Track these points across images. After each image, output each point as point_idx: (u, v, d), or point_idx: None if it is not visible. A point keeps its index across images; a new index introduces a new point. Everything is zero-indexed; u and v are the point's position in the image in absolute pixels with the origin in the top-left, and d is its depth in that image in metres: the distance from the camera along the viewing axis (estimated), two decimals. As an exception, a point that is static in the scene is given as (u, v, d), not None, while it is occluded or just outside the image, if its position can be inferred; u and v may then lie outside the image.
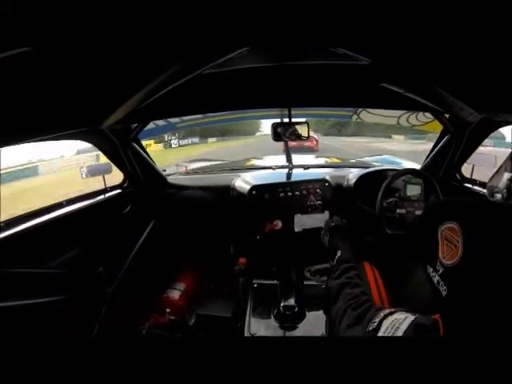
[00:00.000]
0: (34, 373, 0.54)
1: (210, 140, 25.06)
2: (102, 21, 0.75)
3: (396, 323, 0.87)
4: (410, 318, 0.87)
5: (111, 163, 2.11)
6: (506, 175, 1.08)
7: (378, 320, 0.92)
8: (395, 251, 1.70)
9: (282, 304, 1.79)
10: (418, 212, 1.72)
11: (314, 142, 12.12)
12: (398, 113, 2.53)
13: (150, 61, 1.12)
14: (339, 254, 1.34)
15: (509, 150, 1.24)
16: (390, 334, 0.87)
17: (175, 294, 2.34)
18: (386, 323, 0.90)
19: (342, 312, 1.07)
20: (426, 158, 2.25)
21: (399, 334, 0.86)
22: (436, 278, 0.91)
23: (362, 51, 1.20)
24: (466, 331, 0.77)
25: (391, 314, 0.92)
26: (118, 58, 1.00)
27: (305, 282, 2.03)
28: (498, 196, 1.12)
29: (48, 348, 0.64)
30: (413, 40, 1.00)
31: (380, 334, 0.89)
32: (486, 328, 0.73)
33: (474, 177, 2.01)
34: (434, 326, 0.84)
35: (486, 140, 1.85)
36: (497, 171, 1.19)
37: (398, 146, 17.21)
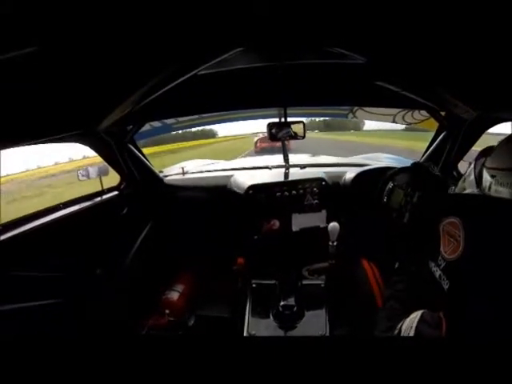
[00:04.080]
0: (34, 373, 0.54)
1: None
2: (97, 23, 0.75)
3: (411, 323, 0.90)
4: (419, 313, 0.90)
5: (108, 165, 2.11)
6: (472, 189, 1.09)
7: (399, 326, 0.96)
8: (394, 249, 1.70)
9: (280, 304, 1.79)
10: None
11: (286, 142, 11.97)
12: (393, 111, 2.54)
13: (145, 62, 1.12)
14: (397, 265, 1.44)
15: None
16: (407, 333, 0.90)
17: (174, 295, 2.34)
18: (404, 326, 0.93)
19: (380, 319, 1.16)
20: (423, 155, 2.25)
21: (412, 330, 0.88)
22: (438, 273, 0.92)
23: (358, 50, 1.20)
24: (468, 325, 0.77)
25: (408, 316, 0.94)
26: (113, 59, 1.00)
27: (303, 282, 2.03)
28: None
29: (48, 349, 0.63)
30: (408, 38, 1.01)
31: (401, 332, 0.94)
32: (488, 322, 0.74)
33: None
34: (437, 322, 0.85)
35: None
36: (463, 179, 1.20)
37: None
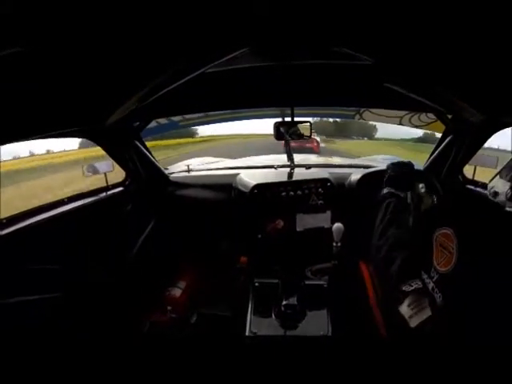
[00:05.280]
0: (35, 371, 0.54)
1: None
2: (105, 19, 0.76)
3: (422, 304, 0.86)
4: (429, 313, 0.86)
5: (113, 161, 2.12)
6: (507, 181, 1.06)
7: (414, 286, 0.91)
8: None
9: (283, 303, 1.79)
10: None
11: (315, 144, 11.83)
12: (400, 113, 2.53)
13: (153, 59, 1.12)
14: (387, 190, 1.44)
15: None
16: (413, 312, 0.86)
17: (176, 292, 2.35)
18: (416, 297, 0.89)
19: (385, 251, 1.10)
20: (428, 158, 2.24)
21: (419, 318, 0.84)
22: (431, 285, 0.90)
23: (366, 51, 1.20)
24: (461, 337, 0.76)
25: (425, 291, 0.90)
26: (121, 57, 1.00)
27: (306, 282, 2.03)
28: (501, 198, 1.11)
29: (50, 346, 0.64)
30: (416, 40, 1.00)
31: (405, 303, 0.89)
32: (481, 335, 0.73)
33: (475, 178, 2.00)
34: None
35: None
36: (499, 172, 1.18)
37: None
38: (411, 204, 1.56)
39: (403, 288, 0.91)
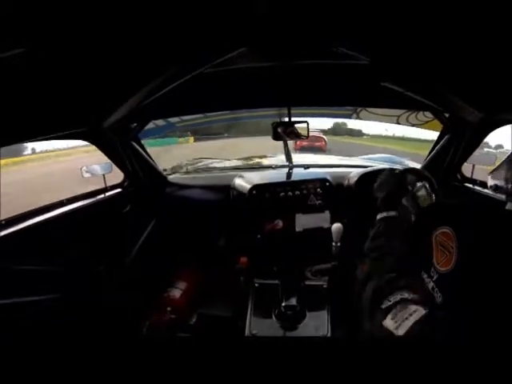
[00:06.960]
0: (34, 372, 0.54)
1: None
2: (103, 21, 0.75)
3: (406, 314, 0.85)
4: (421, 312, 0.84)
5: (111, 163, 2.11)
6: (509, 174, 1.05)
7: (392, 301, 0.89)
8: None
9: (283, 304, 1.79)
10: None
11: (323, 143, 12.33)
12: (397, 112, 2.53)
13: (151, 60, 1.12)
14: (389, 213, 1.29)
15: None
16: (398, 324, 0.85)
17: (176, 293, 2.34)
18: (398, 309, 0.86)
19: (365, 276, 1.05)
20: (426, 157, 2.25)
21: (405, 326, 0.83)
22: (430, 285, 0.89)
23: (363, 50, 1.20)
24: (462, 337, 0.76)
25: (405, 301, 0.88)
26: (119, 58, 1.00)
27: (306, 282, 2.03)
28: (501, 192, 1.10)
29: (48, 348, 0.64)
30: (412, 39, 1.00)
31: (388, 317, 0.86)
32: (482, 334, 0.72)
33: (474, 176, 2.01)
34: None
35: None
36: (500, 165, 1.17)
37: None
38: (408, 206, 1.55)
39: (383, 306, 0.90)
